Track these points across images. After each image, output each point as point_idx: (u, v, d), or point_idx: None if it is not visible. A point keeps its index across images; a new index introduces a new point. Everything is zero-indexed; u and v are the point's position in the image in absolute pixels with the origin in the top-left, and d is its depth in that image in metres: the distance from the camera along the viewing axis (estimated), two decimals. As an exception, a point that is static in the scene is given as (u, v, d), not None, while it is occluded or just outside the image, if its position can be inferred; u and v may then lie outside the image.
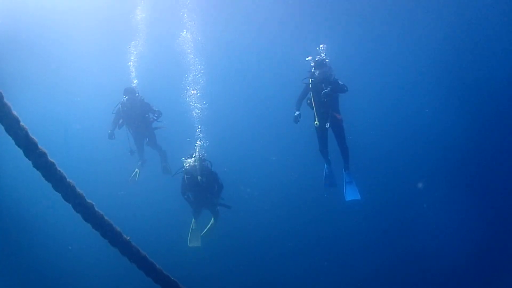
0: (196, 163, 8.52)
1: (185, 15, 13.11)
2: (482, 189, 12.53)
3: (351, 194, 8.60)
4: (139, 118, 9.99)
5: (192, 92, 11.42)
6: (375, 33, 15.46)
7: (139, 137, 10.31)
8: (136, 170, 10.66)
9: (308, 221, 13.06)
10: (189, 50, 12.59)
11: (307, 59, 8.45)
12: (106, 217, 1.74)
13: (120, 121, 9.91)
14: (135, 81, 11.22)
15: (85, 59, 15.86)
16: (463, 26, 14.73)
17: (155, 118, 10.11)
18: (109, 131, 9.86)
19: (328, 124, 8.05)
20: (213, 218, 9.47)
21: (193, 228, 9.40)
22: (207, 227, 9.53)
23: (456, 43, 14.68)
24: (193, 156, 8.64)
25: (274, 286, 11.57)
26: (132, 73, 11.68)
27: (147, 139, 10.34)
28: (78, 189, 1.64)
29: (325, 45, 8.44)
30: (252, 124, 15.89)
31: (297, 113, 8.07)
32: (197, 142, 9.16)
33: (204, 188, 8.72)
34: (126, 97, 9.74)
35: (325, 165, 8.85)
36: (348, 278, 11.26)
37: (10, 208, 12.87)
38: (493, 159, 13.20)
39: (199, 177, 8.51)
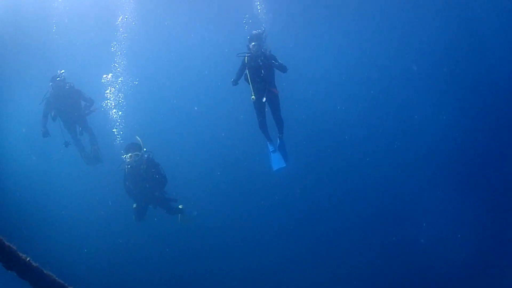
0: (137, 154, 8.35)
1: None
2: (476, 186, 12.17)
3: (277, 163, 8.56)
4: (72, 106, 9.43)
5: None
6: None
7: (72, 127, 9.76)
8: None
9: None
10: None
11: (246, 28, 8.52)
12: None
13: (52, 113, 9.26)
14: (62, 71, 9.98)
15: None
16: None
17: (88, 106, 9.66)
18: (43, 129, 9.24)
19: (265, 99, 8.09)
20: (179, 216, 9.20)
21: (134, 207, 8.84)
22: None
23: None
24: (132, 147, 8.43)
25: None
26: None
27: (80, 128, 9.85)
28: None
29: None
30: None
31: (232, 79, 8.09)
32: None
33: (144, 178, 8.49)
34: (51, 83, 9.18)
35: (268, 144, 8.75)
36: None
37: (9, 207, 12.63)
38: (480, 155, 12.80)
39: (143, 166, 8.36)
